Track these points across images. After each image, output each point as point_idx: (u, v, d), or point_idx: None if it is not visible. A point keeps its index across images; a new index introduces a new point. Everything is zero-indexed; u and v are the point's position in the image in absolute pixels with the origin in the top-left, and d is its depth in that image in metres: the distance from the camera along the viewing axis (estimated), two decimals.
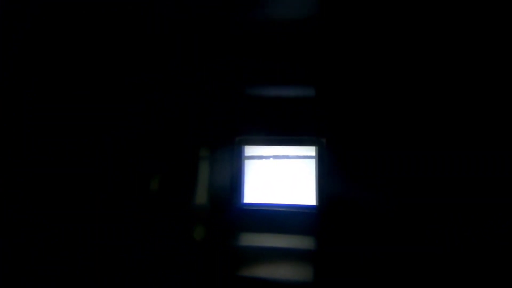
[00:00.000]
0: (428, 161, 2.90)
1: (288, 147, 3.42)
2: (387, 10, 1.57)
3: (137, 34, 1.95)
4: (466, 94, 2.82)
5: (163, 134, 3.34)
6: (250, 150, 3.46)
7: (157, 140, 3.34)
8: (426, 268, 2.46)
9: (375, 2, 1.51)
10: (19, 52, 2.24)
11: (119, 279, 2.32)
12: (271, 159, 3.42)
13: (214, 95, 3.16)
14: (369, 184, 2.99)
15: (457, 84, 2.72)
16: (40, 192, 2.85)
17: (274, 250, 2.67)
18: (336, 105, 3.16)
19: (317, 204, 3.21)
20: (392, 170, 2.97)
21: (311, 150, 3.38)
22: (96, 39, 2.04)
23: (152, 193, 3.24)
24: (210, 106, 3.39)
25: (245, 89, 2.93)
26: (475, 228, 2.71)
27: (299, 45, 2.09)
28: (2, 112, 2.61)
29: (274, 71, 2.56)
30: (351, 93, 2.97)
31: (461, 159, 2.85)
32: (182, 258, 2.66)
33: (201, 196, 3.30)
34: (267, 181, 3.40)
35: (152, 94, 3.23)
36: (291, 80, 2.65)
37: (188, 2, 1.54)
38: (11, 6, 1.71)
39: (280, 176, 3.39)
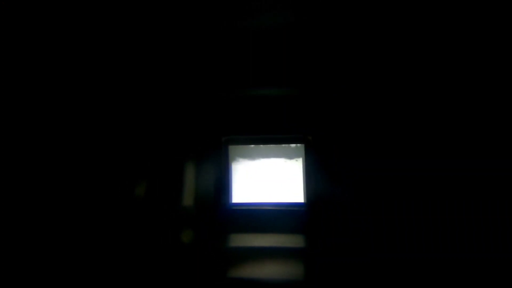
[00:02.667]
0: (411, 162, 2.97)
1: (275, 146, 3.43)
2: (363, 10, 1.63)
3: (122, 37, 1.96)
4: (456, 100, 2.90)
5: (149, 137, 3.29)
6: (237, 150, 3.45)
7: (143, 142, 3.29)
8: (413, 270, 2.53)
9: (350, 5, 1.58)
10: None
11: (108, 283, 2.31)
12: (259, 159, 3.42)
13: (199, 96, 3.13)
14: (353, 182, 3.04)
15: (444, 89, 2.79)
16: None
17: (262, 250, 2.69)
18: (321, 104, 3.18)
19: (305, 201, 3.24)
20: (376, 169, 3.03)
21: (299, 148, 3.40)
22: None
23: (139, 196, 3.19)
24: (196, 108, 3.35)
25: (230, 90, 2.94)
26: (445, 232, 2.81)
27: (283, 49, 2.17)
28: None
29: (260, 73, 2.59)
30: (336, 92, 3.01)
31: (443, 166, 2.94)
32: (171, 261, 2.65)
33: (189, 198, 3.27)
34: (255, 180, 3.40)
35: (136, 96, 3.17)
36: (276, 81, 2.68)
37: (180, 12, 1.66)
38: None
39: (267, 175, 3.40)
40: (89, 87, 2.90)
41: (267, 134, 3.20)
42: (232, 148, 3.39)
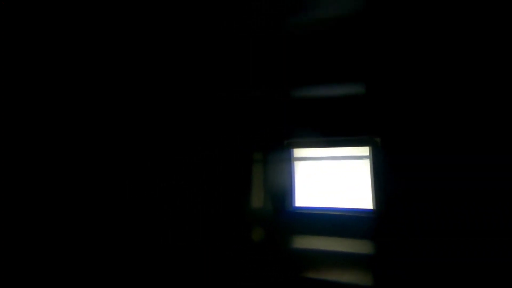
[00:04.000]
0: (493, 165, 2.69)
1: (340, 149, 3.28)
2: None
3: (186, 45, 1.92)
4: None
5: (216, 139, 3.25)
6: (301, 152, 3.34)
7: (210, 146, 3.25)
8: (491, 280, 2.25)
9: None
10: None
11: (183, 278, 2.26)
12: (323, 160, 3.29)
13: (262, 99, 3.04)
14: (428, 187, 2.79)
15: None
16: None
17: (328, 254, 2.53)
18: (391, 102, 3.00)
19: (374, 208, 3.01)
20: (453, 173, 2.76)
21: (364, 151, 3.22)
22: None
23: (210, 197, 3.14)
24: (259, 111, 3.29)
25: (293, 90, 2.82)
26: None
27: (348, 42, 1.99)
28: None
29: (323, 71, 2.44)
30: (406, 88, 2.81)
31: None
32: (237, 259, 2.56)
33: (252, 201, 3.18)
34: (319, 183, 3.25)
35: (202, 101, 3.15)
36: (340, 78, 2.53)
37: (241, 11, 1.56)
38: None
39: (332, 178, 3.23)
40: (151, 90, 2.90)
41: (332, 136, 3.05)
42: (295, 151, 3.28)
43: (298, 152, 3.31)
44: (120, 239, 2.89)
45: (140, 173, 3.09)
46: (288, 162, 3.23)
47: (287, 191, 3.16)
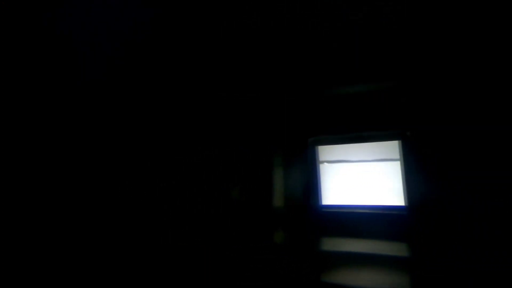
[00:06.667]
0: None
1: (368, 145, 3.16)
2: None
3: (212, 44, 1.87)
4: None
5: (238, 137, 3.19)
6: (327, 149, 3.23)
7: (232, 144, 3.19)
8: None
9: None
10: None
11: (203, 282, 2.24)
12: (351, 158, 3.18)
13: (286, 94, 2.93)
14: (461, 183, 2.63)
15: None
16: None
17: (358, 256, 2.41)
18: (421, 95, 2.82)
19: (406, 205, 2.90)
20: (489, 167, 2.58)
21: (393, 146, 3.08)
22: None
23: (232, 196, 3.11)
24: (283, 107, 3.19)
25: (317, 86, 2.69)
26: None
27: (375, 37, 1.91)
28: None
29: (349, 66, 2.32)
30: (436, 81, 2.62)
31: None
32: (262, 261, 2.50)
33: (278, 200, 3.14)
34: (348, 182, 3.17)
35: (225, 94, 3.06)
36: (367, 73, 2.39)
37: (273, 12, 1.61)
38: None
39: (360, 175, 3.14)
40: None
41: (358, 131, 2.91)
42: (321, 148, 3.17)
43: (325, 152, 3.21)
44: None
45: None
46: (313, 160, 3.15)
47: (313, 189, 3.08)
